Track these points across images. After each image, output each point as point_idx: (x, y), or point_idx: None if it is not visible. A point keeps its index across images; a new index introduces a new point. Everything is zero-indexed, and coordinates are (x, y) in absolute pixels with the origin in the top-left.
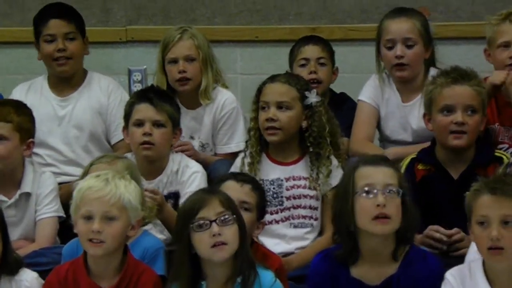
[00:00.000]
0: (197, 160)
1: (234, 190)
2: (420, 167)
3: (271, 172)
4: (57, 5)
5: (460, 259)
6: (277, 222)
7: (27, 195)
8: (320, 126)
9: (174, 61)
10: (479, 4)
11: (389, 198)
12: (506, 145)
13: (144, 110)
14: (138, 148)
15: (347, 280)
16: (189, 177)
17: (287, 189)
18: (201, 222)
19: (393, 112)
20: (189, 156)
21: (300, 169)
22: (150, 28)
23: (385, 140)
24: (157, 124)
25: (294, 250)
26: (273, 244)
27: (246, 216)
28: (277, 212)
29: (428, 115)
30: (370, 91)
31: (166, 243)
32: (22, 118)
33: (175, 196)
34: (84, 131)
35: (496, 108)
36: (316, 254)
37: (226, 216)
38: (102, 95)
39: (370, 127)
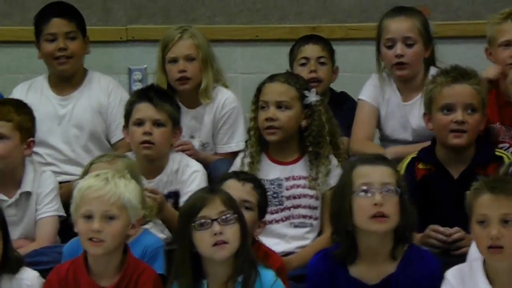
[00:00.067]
0: (197, 160)
1: (235, 189)
2: (420, 166)
3: (271, 171)
4: (58, 4)
5: (461, 258)
6: (277, 221)
7: (28, 194)
8: (320, 125)
9: (174, 60)
10: (479, 3)
11: (387, 197)
12: (507, 145)
13: (144, 109)
14: (138, 147)
15: (346, 279)
16: (189, 177)
17: (287, 189)
18: (203, 221)
19: (393, 112)
20: (190, 155)
21: (299, 169)
22: (150, 28)
23: (385, 140)
24: (157, 123)
25: (295, 249)
26: (273, 244)
27: (248, 215)
28: (277, 212)
29: (428, 114)
30: (370, 91)
31: (166, 242)
32: (23, 117)
33: (175, 195)
34: (84, 131)
35: (497, 108)
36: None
37: (228, 215)
38: (102, 94)
39: (370, 126)
